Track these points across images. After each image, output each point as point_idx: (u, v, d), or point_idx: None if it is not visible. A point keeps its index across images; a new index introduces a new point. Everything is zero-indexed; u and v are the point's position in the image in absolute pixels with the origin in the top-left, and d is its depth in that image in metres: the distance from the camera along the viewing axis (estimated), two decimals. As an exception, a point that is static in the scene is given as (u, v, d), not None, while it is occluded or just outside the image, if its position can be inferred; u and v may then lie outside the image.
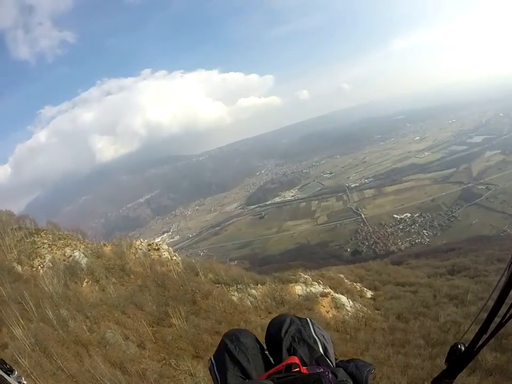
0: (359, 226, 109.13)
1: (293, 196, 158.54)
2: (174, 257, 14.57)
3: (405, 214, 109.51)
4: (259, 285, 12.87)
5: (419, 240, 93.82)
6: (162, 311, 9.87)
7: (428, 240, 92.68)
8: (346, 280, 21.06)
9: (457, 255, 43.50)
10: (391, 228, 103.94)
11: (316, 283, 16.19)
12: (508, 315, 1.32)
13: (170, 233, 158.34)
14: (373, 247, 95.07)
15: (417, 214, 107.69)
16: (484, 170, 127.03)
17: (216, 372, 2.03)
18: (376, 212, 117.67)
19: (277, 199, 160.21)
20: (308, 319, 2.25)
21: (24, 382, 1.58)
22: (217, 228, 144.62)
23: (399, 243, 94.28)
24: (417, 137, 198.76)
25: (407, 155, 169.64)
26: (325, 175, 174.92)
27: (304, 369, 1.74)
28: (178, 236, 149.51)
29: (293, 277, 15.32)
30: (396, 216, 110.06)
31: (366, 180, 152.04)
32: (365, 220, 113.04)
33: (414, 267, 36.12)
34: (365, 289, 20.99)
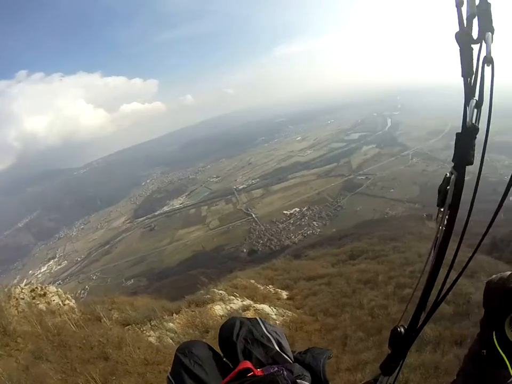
0: (252, 226, 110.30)
1: (181, 204, 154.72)
2: (67, 302, 11.67)
3: (294, 209, 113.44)
4: (175, 314, 10.85)
5: (310, 232, 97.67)
6: (72, 382, 7.32)
7: (318, 230, 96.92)
8: (258, 285, 19.93)
9: (351, 241, 45.03)
10: (282, 223, 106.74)
11: (233, 297, 14.66)
12: (443, 294, 1.40)
13: (56, 259, 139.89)
14: (268, 244, 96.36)
15: (306, 208, 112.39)
16: (362, 163, 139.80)
17: None
18: (266, 210, 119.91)
19: (166, 208, 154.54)
20: (257, 318, 2.20)
21: None
22: (107, 247, 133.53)
23: (292, 237, 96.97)
24: (299, 138, 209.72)
25: (291, 154, 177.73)
26: (212, 180, 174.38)
27: (258, 372, 1.74)
28: (65, 261, 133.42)
29: (208, 296, 13.45)
30: (285, 212, 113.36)
31: (253, 181, 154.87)
32: (256, 219, 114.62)
33: (314, 258, 36.39)
34: (279, 290, 20.11)
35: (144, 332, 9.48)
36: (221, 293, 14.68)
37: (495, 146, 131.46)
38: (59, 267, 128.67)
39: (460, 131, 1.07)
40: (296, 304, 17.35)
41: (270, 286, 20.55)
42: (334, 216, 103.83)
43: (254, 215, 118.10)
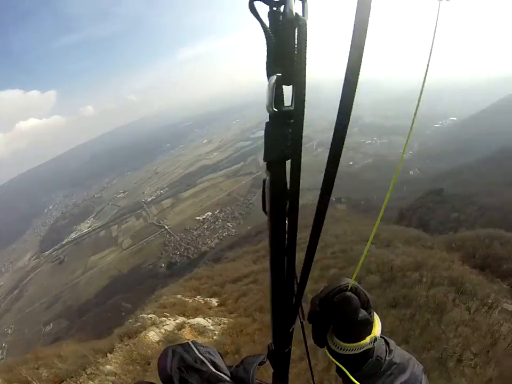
0: (166, 238, 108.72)
1: (89, 227, 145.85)
2: None
3: (206, 214, 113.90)
4: (109, 354, 10.14)
5: (226, 233, 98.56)
6: None
7: (234, 230, 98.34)
8: (186, 299, 19.54)
9: (267, 235, 46.35)
10: (196, 230, 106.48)
11: (164, 318, 14.15)
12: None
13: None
14: (185, 254, 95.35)
15: (218, 210, 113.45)
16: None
17: None
18: (178, 220, 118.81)
19: (73, 235, 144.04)
20: (189, 342, 1.98)
21: None
22: (16, 292, 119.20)
23: (209, 242, 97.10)
24: (205, 140, 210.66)
25: (197, 158, 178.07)
26: (119, 196, 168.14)
27: None
28: None
29: (138, 323, 12.85)
30: (198, 218, 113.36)
31: (161, 191, 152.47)
32: (169, 230, 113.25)
33: (234, 259, 36.87)
34: (208, 299, 19.90)
35: (83, 384, 8.71)
36: (151, 317, 14.13)
37: (393, 129, 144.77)
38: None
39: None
40: (229, 309, 17.29)
41: (198, 296, 20.25)
42: (247, 214, 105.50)
43: (166, 227, 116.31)
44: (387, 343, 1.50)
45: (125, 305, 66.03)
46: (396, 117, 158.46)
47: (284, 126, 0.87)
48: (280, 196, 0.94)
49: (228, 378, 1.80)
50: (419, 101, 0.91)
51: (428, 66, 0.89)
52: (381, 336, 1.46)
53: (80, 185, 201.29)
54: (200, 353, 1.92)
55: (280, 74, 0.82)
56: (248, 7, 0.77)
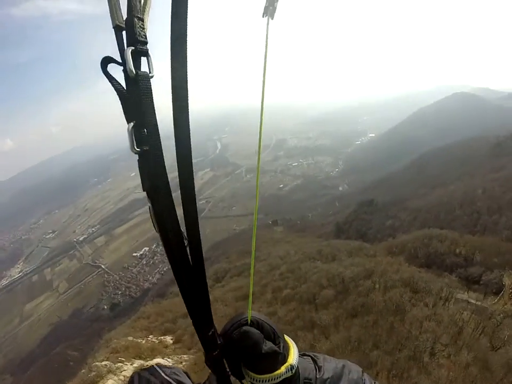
0: (105, 278, 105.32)
1: (20, 272, 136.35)
2: None
3: (144, 249, 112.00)
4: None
5: (167, 268, 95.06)
6: None
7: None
8: (139, 340, 19.00)
9: (210, 264, 46.12)
10: (135, 267, 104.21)
11: (120, 363, 13.68)
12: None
13: None
14: (127, 292, 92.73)
15: (155, 245, 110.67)
16: (200, 188, 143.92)
17: None
18: (115, 258, 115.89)
19: (4, 282, 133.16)
20: (154, 365, 1.89)
21: None
22: None
23: (150, 278, 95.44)
24: (133, 174, 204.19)
25: (127, 192, 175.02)
26: (48, 236, 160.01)
27: None
28: None
29: (93, 373, 12.40)
30: (135, 254, 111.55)
31: (93, 229, 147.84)
32: (107, 269, 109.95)
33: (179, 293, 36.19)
34: (162, 337, 19.47)
35: None
36: (105, 364, 13.60)
37: (317, 150, 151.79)
38: None
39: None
40: (186, 345, 17.00)
41: (150, 336, 19.68)
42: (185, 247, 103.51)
43: (103, 266, 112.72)
44: (315, 360, 1.48)
45: (71, 353, 62.60)
46: (318, 137, 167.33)
47: (149, 161, 1.02)
48: (162, 217, 1.04)
49: None
50: (261, 116, 1.03)
51: (263, 88, 1.01)
52: (307, 355, 1.50)
53: (4, 226, 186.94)
54: (167, 375, 1.92)
55: (134, 122, 0.96)
56: (101, 69, 0.93)
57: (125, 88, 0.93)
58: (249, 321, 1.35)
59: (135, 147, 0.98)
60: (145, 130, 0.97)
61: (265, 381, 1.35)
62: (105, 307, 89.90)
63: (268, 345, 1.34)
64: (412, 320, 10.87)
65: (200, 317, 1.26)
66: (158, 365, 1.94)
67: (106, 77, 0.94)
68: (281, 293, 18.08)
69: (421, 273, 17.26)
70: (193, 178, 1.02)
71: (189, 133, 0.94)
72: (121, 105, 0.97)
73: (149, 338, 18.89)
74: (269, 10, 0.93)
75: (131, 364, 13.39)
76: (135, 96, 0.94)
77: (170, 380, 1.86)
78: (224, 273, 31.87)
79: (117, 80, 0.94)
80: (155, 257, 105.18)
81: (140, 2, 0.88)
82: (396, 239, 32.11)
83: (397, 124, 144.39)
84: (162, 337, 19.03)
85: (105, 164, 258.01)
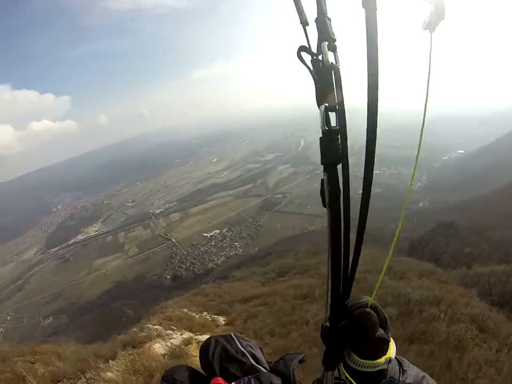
0: (173, 251, 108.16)
1: (97, 231, 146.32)
2: None
3: (214, 231, 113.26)
4: (111, 361, 9.37)
5: (233, 253, 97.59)
6: None
7: (241, 250, 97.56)
8: (193, 314, 18.75)
9: (276, 258, 45.41)
10: (203, 246, 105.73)
11: (171, 331, 13.34)
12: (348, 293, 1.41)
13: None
14: (191, 268, 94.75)
15: (226, 229, 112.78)
16: (278, 182, 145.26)
17: None
18: (186, 234, 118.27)
19: (80, 237, 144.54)
20: (231, 334, 2.15)
21: None
22: (19, 282, 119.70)
23: (215, 259, 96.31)
24: (215, 159, 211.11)
25: (207, 176, 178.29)
26: (127, 204, 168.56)
27: None
28: None
29: (143, 333, 12.04)
30: (206, 234, 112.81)
31: (170, 204, 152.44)
32: (176, 243, 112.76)
33: (241, 278, 36.08)
34: (216, 316, 19.09)
35: (81, 390, 7.93)
36: (156, 328, 13.35)
37: (402, 160, 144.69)
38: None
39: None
40: (237, 329, 16.43)
41: (204, 313, 19.47)
42: (254, 235, 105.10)
43: (173, 240, 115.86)
44: (400, 363, 1.53)
45: (127, 311, 65.75)
46: (404, 147, 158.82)
47: (334, 140, 1.17)
48: (335, 190, 1.19)
49: (266, 371, 1.93)
50: (421, 135, 1.18)
51: (426, 99, 1.13)
52: (395, 357, 1.52)
53: (89, 190, 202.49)
54: (242, 346, 2.07)
55: (326, 104, 1.11)
56: (296, 55, 1.10)
57: (317, 74, 1.08)
58: (369, 305, 1.42)
59: (325, 126, 1.12)
60: (335, 112, 1.12)
61: (366, 367, 1.39)
62: (168, 277, 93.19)
63: (380, 332, 1.39)
64: (471, 361, 9.55)
65: (344, 286, 1.32)
66: (236, 334, 2.16)
67: (301, 62, 1.10)
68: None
69: (492, 312, 15.12)
70: (373, 162, 1.21)
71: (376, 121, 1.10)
72: (315, 89, 1.12)
73: (202, 315, 18.69)
74: (431, 24, 1.01)
75: (180, 334, 13.03)
76: (328, 83, 1.08)
77: (245, 351, 2.05)
78: (288, 269, 31.02)
79: (308, 66, 1.10)
80: (224, 241, 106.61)
81: (325, 5, 1.01)
82: (471, 269, 29.13)
83: (490, 142, 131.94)
84: (215, 316, 18.72)
85: (188, 147, 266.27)
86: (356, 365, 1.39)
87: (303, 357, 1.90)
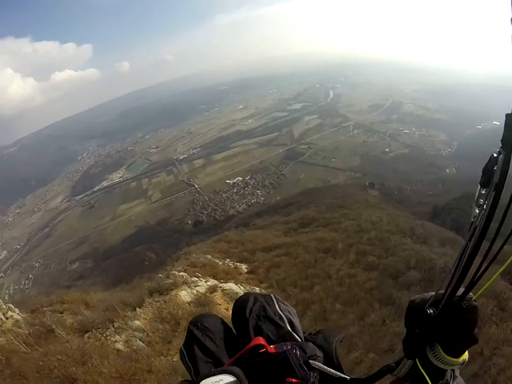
0: (195, 197, 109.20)
1: (121, 177, 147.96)
2: (10, 313, 9.45)
3: (237, 178, 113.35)
4: (138, 309, 9.33)
5: (255, 200, 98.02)
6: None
7: (263, 199, 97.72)
8: (216, 261, 18.94)
9: (297, 209, 45.21)
10: (225, 193, 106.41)
11: (196, 278, 13.37)
12: (478, 274, 1.29)
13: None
14: (213, 214, 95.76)
15: (248, 177, 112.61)
16: (304, 133, 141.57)
17: (187, 361, 2.05)
18: (208, 180, 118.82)
19: (105, 183, 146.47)
20: (271, 295, 2.26)
21: None
22: (46, 230, 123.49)
23: (237, 206, 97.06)
24: (241, 106, 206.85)
25: (232, 123, 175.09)
26: (151, 150, 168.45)
27: (271, 348, 1.76)
28: (5, 251, 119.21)
29: (170, 280, 12.03)
30: (228, 181, 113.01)
31: (194, 151, 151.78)
32: (199, 189, 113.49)
33: (262, 227, 36.16)
34: (238, 264, 19.37)
35: (109, 337, 7.92)
36: (182, 275, 13.34)
37: (434, 122, 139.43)
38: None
39: (510, 112, 1.04)
40: (259, 278, 16.58)
41: (227, 260, 19.70)
42: (277, 185, 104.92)
43: (196, 186, 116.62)
44: (453, 369, 1.47)
45: (149, 254, 67.82)
46: (437, 110, 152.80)
47: None
48: (505, 173, 1.07)
49: (301, 340, 1.96)
50: None
51: None
52: None
53: (113, 137, 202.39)
54: (281, 309, 2.14)
55: None
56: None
57: None
58: (472, 300, 1.29)
59: None
60: None
61: (445, 363, 1.33)
62: (189, 222, 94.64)
63: (477, 330, 1.32)
64: (488, 338, 9.30)
65: (461, 275, 1.23)
66: (275, 296, 2.25)
67: None
68: (366, 258, 16.89)
69: (512, 291, 14.53)
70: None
71: None
72: None
73: (225, 262, 18.85)
74: None
75: (205, 281, 13.06)
76: None
77: (283, 316, 2.11)
78: (311, 221, 30.72)
79: None
80: (246, 188, 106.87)
81: None
82: (493, 244, 28.21)
83: None
84: (238, 264, 18.91)
85: (214, 94, 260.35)
86: (437, 359, 1.31)
87: (342, 338, 1.95)
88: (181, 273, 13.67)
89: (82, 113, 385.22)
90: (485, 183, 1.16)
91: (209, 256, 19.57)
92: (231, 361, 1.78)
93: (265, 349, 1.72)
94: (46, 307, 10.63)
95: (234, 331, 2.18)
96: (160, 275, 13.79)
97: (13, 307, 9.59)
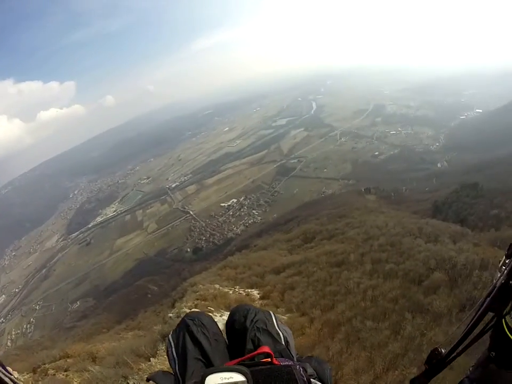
0: (191, 224, 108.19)
1: (115, 211, 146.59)
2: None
3: (231, 200, 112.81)
4: (152, 359, 8.38)
5: (252, 221, 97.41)
6: None
7: (259, 218, 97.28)
8: (226, 290, 17.90)
9: (297, 224, 44.67)
10: (222, 216, 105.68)
11: (210, 313, 12.24)
12: (489, 325, 1.31)
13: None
14: (211, 239, 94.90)
15: (243, 198, 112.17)
16: (293, 147, 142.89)
17: (174, 352, 2.04)
18: (203, 206, 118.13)
19: (99, 219, 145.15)
20: (270, 312, 2.29)
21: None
22: (44, 271, 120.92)
23: (235, 228, 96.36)
24: (227, 128, 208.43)
25: (220, 146, 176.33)
26: (142, 181, 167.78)
27: (275, 361, 1.74)
28: (4, 296, 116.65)
29: (181, 318, 10.81)
30: (223, 204, 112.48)
31: (185, 177, 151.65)
32: (194, 216, 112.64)
33: (265, 247, 35.47)
34: (249, 290, 18.36)
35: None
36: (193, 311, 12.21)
37: (418, 119, 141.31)
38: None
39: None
40: (275, 303, 15.52)
41: (237, 287, 18.71)
42: (272, 202, 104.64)
43: (191, 212, 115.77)
44: None
45: (151, 287, 66.87)
46: (420, 107, 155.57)
47: None
48: None
49: (295, 360, 1.96)
50: None
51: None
52: None
53: (104, 172, 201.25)
54: (278, 327, 2.17)
55: None
56: None
57: None
58: None
59: None
60: None
61: None
62: (188, 250, 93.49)
63: None
64: None
65: None
66: (275, 314, 2.29)
67: None
68: (383, 266, 15.98)
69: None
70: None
71: None
72: None
73: (235, 290, 17.87)
74: None
75: (220, 316, 12.01)
76: None
77: (280, 333, 2.15)
78: (314, 234, 30.08)
79: None
80: (241, 209, 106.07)
81: None
82: (499, 231, 27.46)
83: (509, 101, 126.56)
84: (249, 290, 17.94)
85: (198, 119, 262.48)
86: None
87: (331, 369, 1.96)
88: (192, 309, 12.64)
89: (71, 150, 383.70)
90: (509, 255, 1.20)
91: (217, 286, 18.62)
92: (236, 362, 1.74)
93: (269, 358, 1.71)
94: (49, 363, 9.56)
95: (225, 337, 2.17)
96: (170, 314, 12.74)
97: (11, 371, 8.45)
